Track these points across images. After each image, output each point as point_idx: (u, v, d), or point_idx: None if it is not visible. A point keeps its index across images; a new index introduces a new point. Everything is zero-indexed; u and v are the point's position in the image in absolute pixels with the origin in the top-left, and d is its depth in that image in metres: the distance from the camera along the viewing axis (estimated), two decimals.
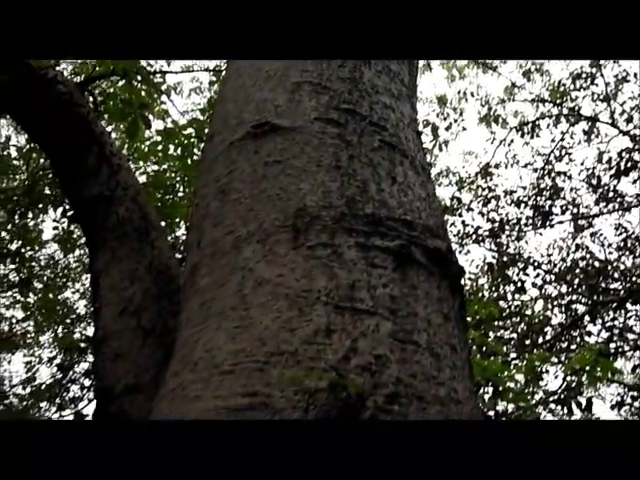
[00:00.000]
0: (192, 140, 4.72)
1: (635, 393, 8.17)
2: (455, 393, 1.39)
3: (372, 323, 1.37)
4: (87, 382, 7.55)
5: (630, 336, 7.93)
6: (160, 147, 4.90)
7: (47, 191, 4.25)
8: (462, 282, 1.76)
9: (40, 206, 4.39)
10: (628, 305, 7.82)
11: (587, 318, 7.21)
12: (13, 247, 4.24)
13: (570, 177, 8.94)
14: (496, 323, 6.71)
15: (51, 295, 7.20)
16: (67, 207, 4.39)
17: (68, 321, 8.04)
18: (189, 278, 1.66)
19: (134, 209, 2.52)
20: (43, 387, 7.63)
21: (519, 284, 7.23)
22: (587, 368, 3.54)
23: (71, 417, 8.04)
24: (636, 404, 8.33)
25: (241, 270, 1.48)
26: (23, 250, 4.25)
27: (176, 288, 2.35)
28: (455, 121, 10.51)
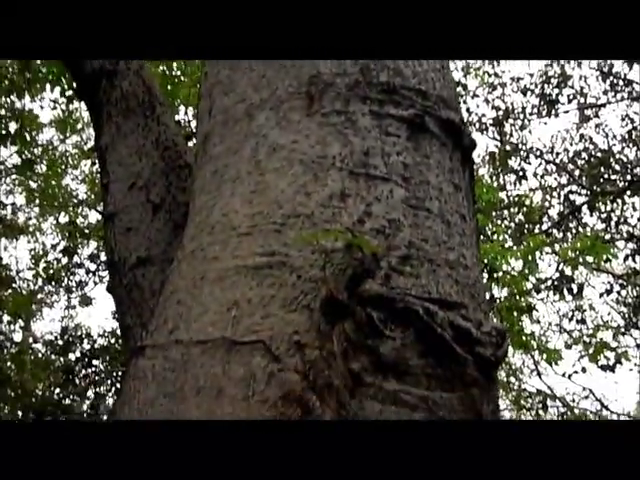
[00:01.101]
0: None
1: (623, 282, 8.44)
2: (464, 259, 1.44)
3: (386, 189, 1.39)
4: (92, 266, 7.75)
5: (624, 228, 8.06)
6: None
7: (43, 69, 4.12)
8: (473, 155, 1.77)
9: (38, 86, 4.27)
10: (626, 197, 7.88)
11: (585, 209, 7.29)
12: (12, 129, 4.20)
13: (580, 64, 8.66)
14: (494, 213, 6.78)
15: (53, 182, 7.19)
16: (65, 86, 4.28)
17: (70, 207, 8.11)
18: (201, 147, 1.66)
19: (138, 83, 2.46)
20: (50, 272, 7.82)
21: (520, 173, 7.22)
22: (584, 251, 3.63)
23: (77, 300, 8.32)
24: (623, 292, 8.63)
25: (255, 137, 1.48)
26: (22, 131, 4.20)
27: (184, 164, 2.35)
28: None
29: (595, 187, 6.74)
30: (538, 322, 6.69)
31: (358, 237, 1.25)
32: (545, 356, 5.13)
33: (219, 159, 1.54)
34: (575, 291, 4.70)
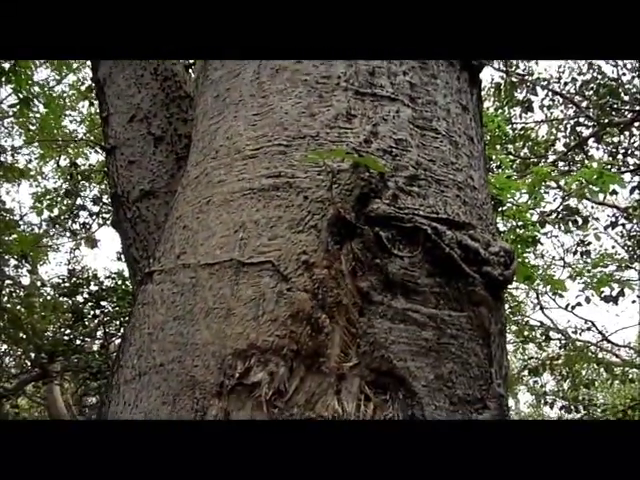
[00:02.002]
0: None
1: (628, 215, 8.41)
2: (471, 180, 1.42)
3: (392, 109, 1.35)
4: (96, 209, 7.74)
5: (630, 160, 7.96)
6: None
7: None
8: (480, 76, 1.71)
9: None
10: (634, 129, 7.75)
11: (592, 142, 7.18)
12: (6, 66, 4.09)
13: None
14: (499, 147, 6.69)
15: (52, 122, 7.08)
16: None
17: (70, 148, 8.03)
18: (202, 72, 1.62)
19: None
20: (53, 211, 7.83)
21: (526, 105, 7.07)
22: (591, 181, 3.59)
23: (82, 241, 8.36)
24: (628, 225, 8.62)
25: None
26: (18, 68, 4.10)
27: (184, 94, 2.30)
28: None
29: (603, 118, 6.61)
30: (542, 257, 6.72)
31: (365, 157, 1.23)
32: (550, 287, 5.15)
33: (220, 83, 1.49)
34: (580, 223, 4.69)
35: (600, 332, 8.69)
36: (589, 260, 6.20)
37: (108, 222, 8.18)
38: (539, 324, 8.00)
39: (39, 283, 9.31)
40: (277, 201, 1.22)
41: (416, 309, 1.17)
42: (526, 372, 9.32)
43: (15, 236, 7.62)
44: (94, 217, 7.78)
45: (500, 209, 4.53)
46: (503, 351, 1.39)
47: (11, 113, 7.88)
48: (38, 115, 7.41)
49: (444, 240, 1.24)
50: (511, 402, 12.28)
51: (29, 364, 7.92)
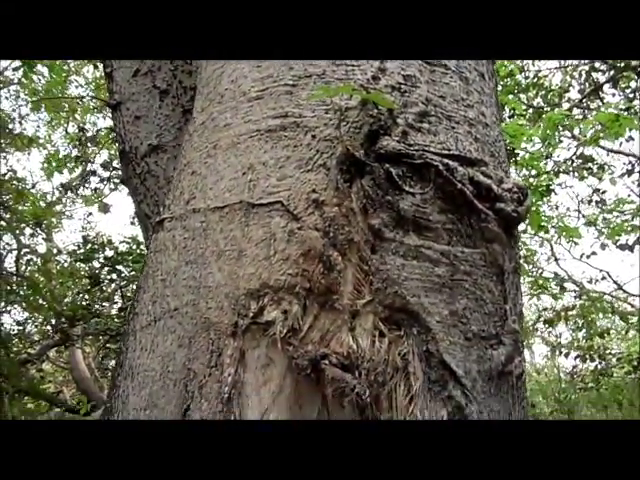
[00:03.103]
0: None
1: None
2: (483, 117, 1.39)
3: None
4: (106, 174, 7.75)
5: None
6: None
7: None
8: None
9: None
10: None
11: (607, 87, 6.99)
12: None
13: None
14: (511, 97, 6.55)
15: (59, 87, 7.04)
16: None
17: (77, 117, 8.00)
18: None
19: None
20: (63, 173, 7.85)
21: None
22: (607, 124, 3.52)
23: (96, 209, 8.39)
24: None
25: None
26: None
27: None
28: None
29: (619, 62, 6.40)
30: (557, 208, 6.65)
31: (373, 93, 1.20)
32: (564, 235, 5.10)
33: None
34: (594, 171, 4.60)
35: (615, 282, 8.67)
36: (604, 209, 6.12)
37: (119, 187, 8.21)
38: (553, 275, 7.97)
39: (55, 251, 9.40)
40: (285, 141, 1.20)
41: (429, 246, 1.16)
42: (541, 324, 9.34)
43: (28, 205, 7.67)
44: (105, 182, 7.81)
45: (513, 159, 4.46)
46: (517, 289, 1.39)
47: (16, 80, 7.83)
48: (43, 81, 7.36)
49: (456, 176, 1.22)
50: (526, 354, 12.36)
51: (50, 330, 8.08)
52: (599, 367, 7.69)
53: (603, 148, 6.46)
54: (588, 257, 7.02)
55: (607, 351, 7.79)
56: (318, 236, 1.10)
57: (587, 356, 7.46)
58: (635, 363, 7.42)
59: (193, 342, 1.13)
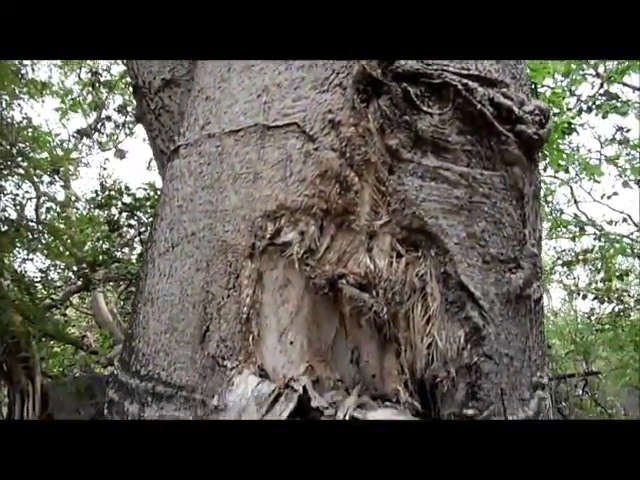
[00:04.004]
0: None
1: None
2: None
3: None
4: (121, 119, 7.70)
5: None
6: None
7: None
8: None
9: None
10: None
11: None
12: None
13: None
14: None
15: None
16: None
17: (90, 62, 7.90)
18: None
19: None
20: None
21: None
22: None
23: (112, 155, 8.38)
24: None
25: None
26: None
27: None
28: None
29: None
30: (578, 149, 6.49)
31: None
32: (585, 173, 4.99)
33: None
34: (619, 106, 4.46)
35: (635, 224, 8.54)
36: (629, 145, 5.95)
37: (135, 132, 8.16)
38: (573, 216, 7.87)
39: (73, 198, 9.47)
40: (299, 61, 1.17)
41: (447, 167, 1.14)
42: (559, 267, 9.31)
43: (45, 152, 7.68)
44: (120, 128, 7.77)
45: (534, 95, 4.33)
46: (537, 215, 1.37)
47: None
48: None
49: (475, 97, 1.18)
50: (545, 297, 12.35)
51: (72, 276, 8.21)
52: (616, 309, 7.67)
53: (628, 86, 6.24)
54: (609, 197, 6.90)
55: (625, 293, 7.75)
56: (334, 157, 1.08)
57: (605, 298, 7.44)
58: None
59: (211, 265, 1.14)
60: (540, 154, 1.43)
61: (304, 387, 0.95)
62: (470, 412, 1.11)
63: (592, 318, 8.43)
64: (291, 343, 1.05)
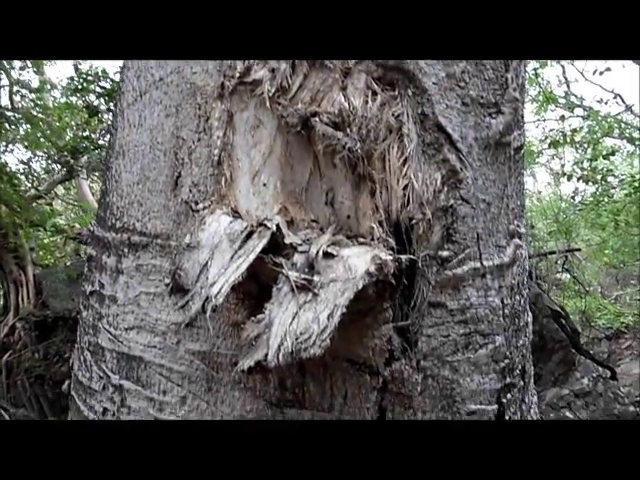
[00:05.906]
0: None
1: None
2: None
3: None
4: None
5: None
6: None
7: None
8: None
9: None
10: None
11: None
12: None
13: None
14: None
15: None
16: None
17: None
18: None
19: None
20: None
21: None
22: None
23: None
24: None
25: None
26: None
27: None
28: None
29: None
30: None
31: None
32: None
33: None
34: None
35: (625, 103, 8.41)
36: None
37: None
38: (564, 94, 7.70)
39: (49, 86, 9.11)
40: None
41: None
42: (547, 149, 9.27)
43: None
44: None
45: None
46: (521, 60, 1.31)
47: None
48: None
49: None
50: (530, 181, 12.43)
51: (55, 168, 8.07)
52: (600, 189, 7.73)
53: None
54: (601, 74, 6.72)
55: (609, 172, 7.77)
56: None
57: (589, 178, 7.47)
58: (636, 184, 7.45)
59: (180, 110, 1.10)
60: None
61: (277, 225, 0.95)
62: (445, 254, 1.12)
63: (576, 198, 8.52)
64: (264, 185, 1.03)
